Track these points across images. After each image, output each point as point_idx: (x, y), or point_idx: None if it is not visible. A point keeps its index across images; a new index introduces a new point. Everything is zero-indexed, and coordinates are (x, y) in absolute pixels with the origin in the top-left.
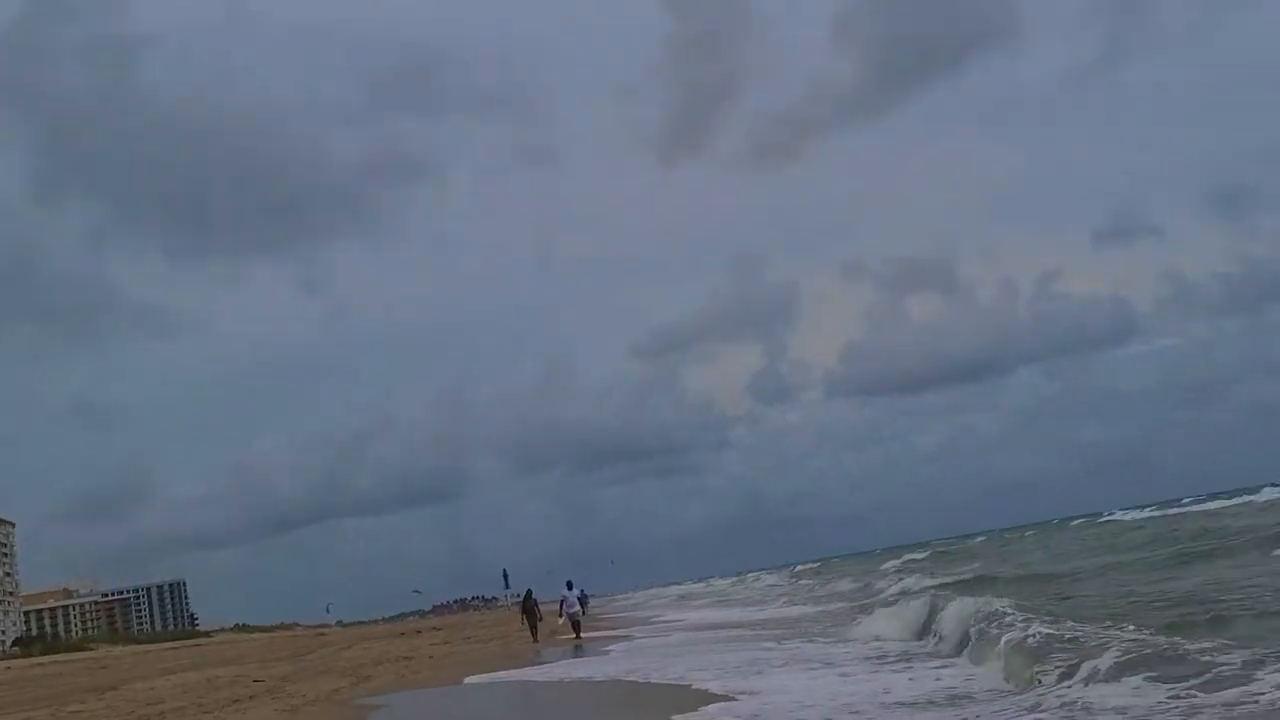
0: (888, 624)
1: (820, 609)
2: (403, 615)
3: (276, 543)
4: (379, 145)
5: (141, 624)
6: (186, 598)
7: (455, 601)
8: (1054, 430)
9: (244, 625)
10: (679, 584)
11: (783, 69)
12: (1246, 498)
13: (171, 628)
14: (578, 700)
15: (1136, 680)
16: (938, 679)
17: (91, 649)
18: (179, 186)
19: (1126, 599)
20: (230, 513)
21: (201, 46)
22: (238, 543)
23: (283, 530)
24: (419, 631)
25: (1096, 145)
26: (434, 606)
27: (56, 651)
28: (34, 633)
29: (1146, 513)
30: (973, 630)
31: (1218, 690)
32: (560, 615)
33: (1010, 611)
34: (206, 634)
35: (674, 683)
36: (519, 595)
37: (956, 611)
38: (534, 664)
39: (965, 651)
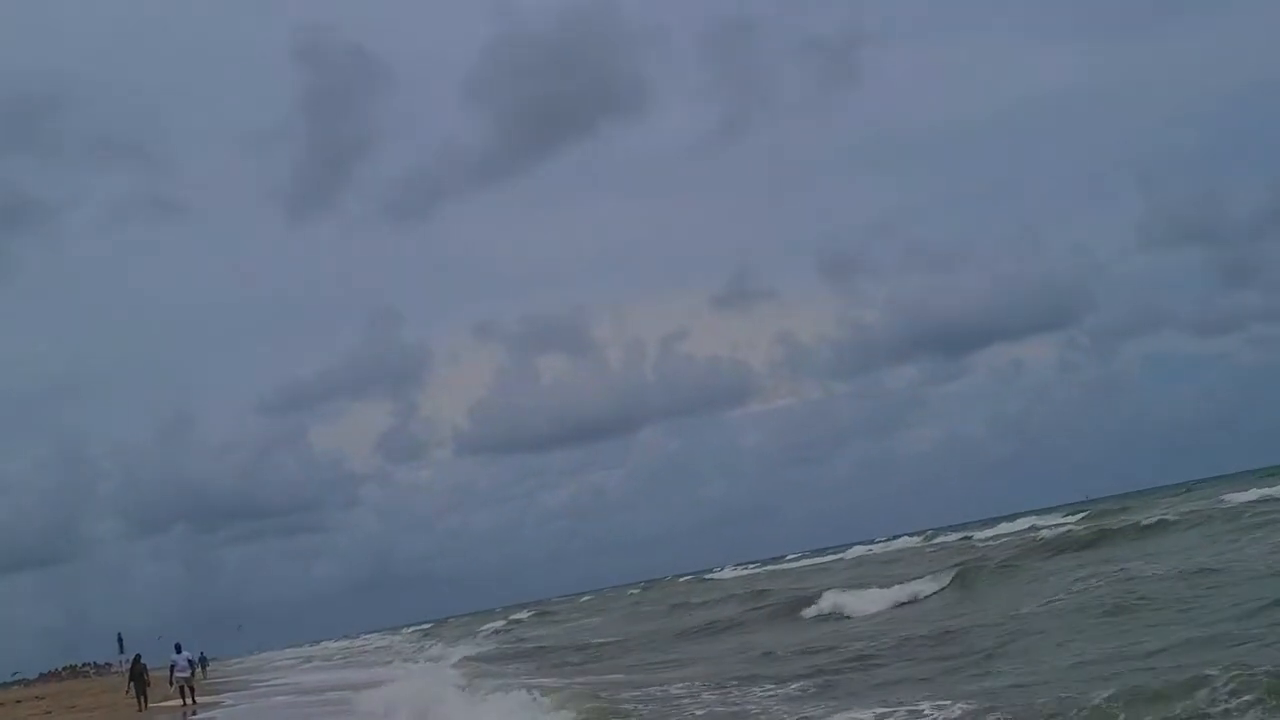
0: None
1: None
2: (4, 685)
3: None
4: None
5: None
6: None
7: (65, 669)
8: (676, 488)
9: None
10: (296, 646)
11: (415, 129)
12: (837, 555)
13: None
14: None
15: None
16: None
17: None
18: None
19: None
20: None
21: None
22: None
23: None
24: (19, 701)
25: (717, 211)
26: (39, 675)
27: None
28: None
29: (750, 570)
30: None
31: None
32: (171, 681)
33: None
34: None
35: None
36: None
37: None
38: None
39: None
